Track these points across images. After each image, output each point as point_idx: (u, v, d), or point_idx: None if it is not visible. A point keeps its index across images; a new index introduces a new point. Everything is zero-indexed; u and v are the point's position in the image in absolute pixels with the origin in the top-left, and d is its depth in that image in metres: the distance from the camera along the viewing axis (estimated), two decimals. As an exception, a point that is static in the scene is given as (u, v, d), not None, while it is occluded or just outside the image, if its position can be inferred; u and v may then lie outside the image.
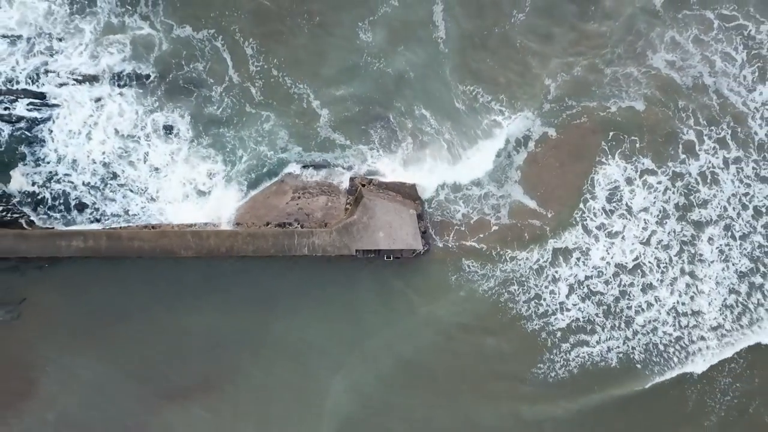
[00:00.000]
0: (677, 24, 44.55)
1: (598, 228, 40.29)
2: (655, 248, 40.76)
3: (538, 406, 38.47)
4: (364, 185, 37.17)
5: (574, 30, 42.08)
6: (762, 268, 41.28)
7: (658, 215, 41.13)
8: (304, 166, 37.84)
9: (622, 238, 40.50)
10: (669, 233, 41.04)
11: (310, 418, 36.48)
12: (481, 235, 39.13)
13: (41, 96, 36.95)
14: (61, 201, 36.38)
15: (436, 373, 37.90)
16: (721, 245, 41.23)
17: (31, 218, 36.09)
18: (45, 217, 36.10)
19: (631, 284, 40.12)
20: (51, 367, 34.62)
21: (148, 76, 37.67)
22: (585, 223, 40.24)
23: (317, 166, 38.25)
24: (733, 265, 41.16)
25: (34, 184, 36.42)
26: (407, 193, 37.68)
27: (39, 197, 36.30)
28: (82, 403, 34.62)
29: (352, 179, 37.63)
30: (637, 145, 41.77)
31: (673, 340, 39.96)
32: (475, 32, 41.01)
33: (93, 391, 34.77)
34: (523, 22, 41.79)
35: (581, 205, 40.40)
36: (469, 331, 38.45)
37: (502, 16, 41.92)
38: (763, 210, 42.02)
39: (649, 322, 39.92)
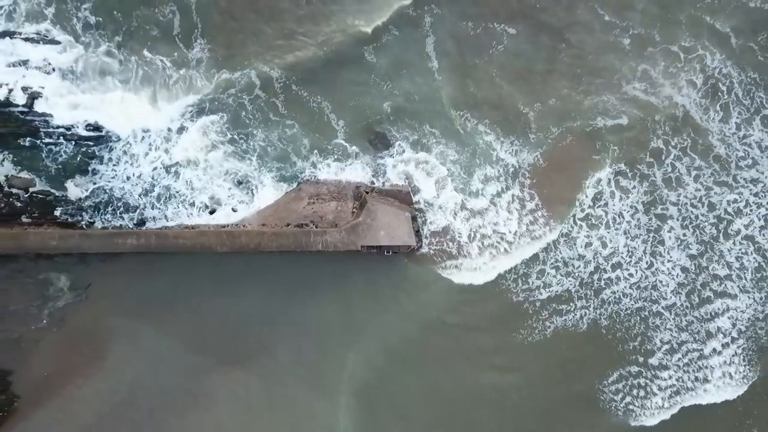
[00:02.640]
0: (646, 60, 51.60)
1: (583, 220, 47.60)
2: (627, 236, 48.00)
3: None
4: (367, 192, 44.38)
5: (550, 65, 48.96)
6: (709, 252, 48.62)
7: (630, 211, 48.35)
8: (316, 176, 45.23)
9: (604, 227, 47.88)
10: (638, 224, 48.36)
11: (331, 385, 42.92)
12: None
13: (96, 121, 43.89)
14: (116, 205, 43.37)
15: (436, 346, 44.73)
16: (678, 234, 48.48)
17: (91, 220, 43.28)
18: (103, 219, 43.10)
19: (605, 263, 47.32)
20: (115, 339, 41.38)
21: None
22: (575, 215, 47.53)
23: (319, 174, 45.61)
24: (687, 249, 48.34)
25: (92, 191, 43.46)
26: (403, 198, 44.77)
27: (98, 203, 43.27)
28: (141, 368, 41.37)
29: (357, 187, 44.71)
30: (617, 154, 48.64)
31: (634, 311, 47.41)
32: (460, 65, 48.08)
33: (149, 359, 41.61)
34: (499, 59, 48.44)
35: (576, 204, 47.74)
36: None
37: (482, 53, 48.59)
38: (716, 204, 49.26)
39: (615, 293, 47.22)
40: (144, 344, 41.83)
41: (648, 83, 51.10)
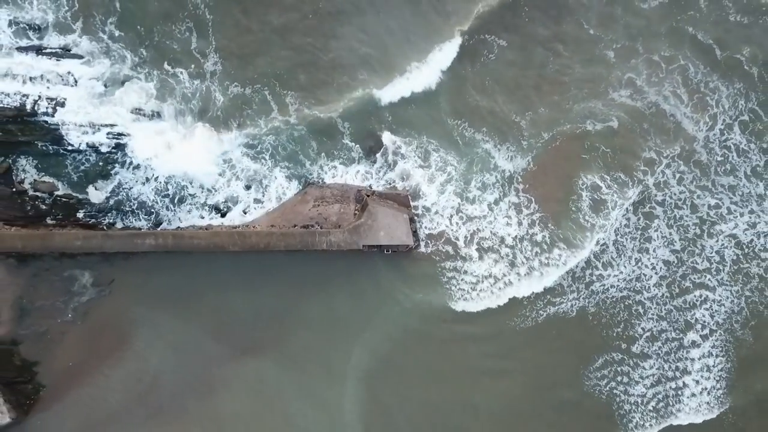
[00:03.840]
0: (631, 70, 54.92)
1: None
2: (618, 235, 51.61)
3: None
4: (368, 195, 47.68)
5: (539, 75, 52.39)
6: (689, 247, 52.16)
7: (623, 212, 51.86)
8: (321, 180, 48.55)
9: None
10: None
11: (338, 373, 46.12)
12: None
13: (117, 127, 46.97)
14: (135, 208, 46.60)
15: (434, 334, 48.30)
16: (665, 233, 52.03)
17: (112, 221, 46.58)
18: (123, 220, 46.44)
19: (597, 260, 50.94)
20: (137, 330, 44.52)
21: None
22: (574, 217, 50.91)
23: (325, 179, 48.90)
24: (670, 245, 51.77)
25: (113, 195, 46.69)
26: (402, 201, 48.05)
27: (118, 206, 46.56)
28: (162, 357, 44.64)
29: (359, 191, 48.02)
30: (609, 158, 52.01)
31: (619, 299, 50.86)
32: (453, 76, 51.21)
33: (169, 348, 44.97)
34: (492, 69, 51.75)
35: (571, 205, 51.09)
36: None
37: (476, 63, 51.78)
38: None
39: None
40: (164, 335, 44.96)
41: (633, 90, 54.46)
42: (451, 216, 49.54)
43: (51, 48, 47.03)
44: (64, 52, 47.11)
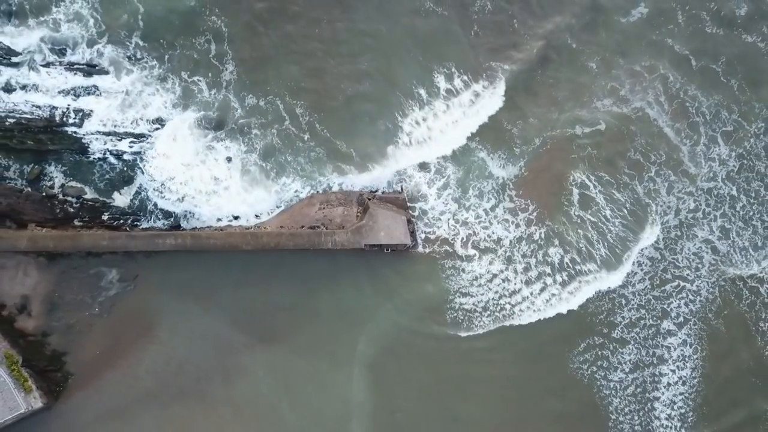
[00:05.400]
0: (614, 79, 59.21)
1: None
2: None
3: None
4: (370, 199, 51.84)
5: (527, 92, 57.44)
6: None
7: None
8: (328, 184, 52.72)
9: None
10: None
11: (345, 360, 50.01)
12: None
13: (139, 136, 51.11)
14: (156, 210, 50.55)
15: (433, 324, 52.23)
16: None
17: (135, 223, 50.65)
18: (145, 222, 50.36)
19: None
20: (159, 322, 48.53)
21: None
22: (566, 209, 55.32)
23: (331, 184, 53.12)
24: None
25: (135, 199, 50.61)
26: (400, 204, 52.24)
27: (140, 208, 50.55)
28: (183, 345, 48.60)
29: (361, 195, 52.17)
30: (595, 159, 56.53)
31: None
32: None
33: (189, 337, 48.86)
34: None
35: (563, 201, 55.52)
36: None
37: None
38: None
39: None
40: (185, 325, 48.98)
41: (615, 98, 58.73)
42: (449, 220, 53.72)
43: (78, 64, 51.13)
44: (91, 68, 51.19)
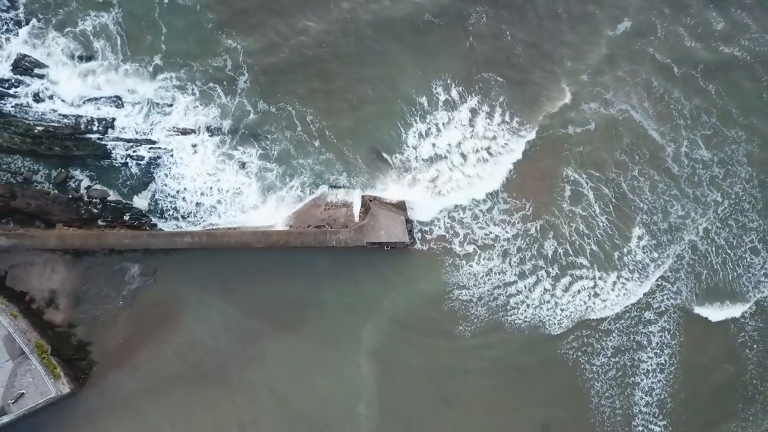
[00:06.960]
0: (602, 86, 62.27)
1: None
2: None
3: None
4: (371, 200, 55.59)
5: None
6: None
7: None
8: (332, 186, 56.51)
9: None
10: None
11: (352, 348, 53.66)
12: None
13: (159, 143, 55.09)
14: (174, 212, 54.50)
15: (432, 316, 55.60)
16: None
17: (154, 223, 54.69)
18: (164, 222, 54.29)
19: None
20: (179, 312, 52.28)
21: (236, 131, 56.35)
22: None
23: (335, 186, 57.01)
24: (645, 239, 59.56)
25: (153, 202, 54.59)
26: (399, 205, 55.65)
27: (159, 210, 54.53)
28: (202, 334, 52.43)
29: (362, 197, 55.80)
30: (585, 156, 59.63)
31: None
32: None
33: (207, 327, 52.68)
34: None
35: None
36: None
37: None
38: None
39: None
40: (203, 317, 52.79)
41: (601, 102, 62.36)
42: (444, 218, 57.31)
43: (103, 73, 55.14)
44: (115, 77, 55.26)
